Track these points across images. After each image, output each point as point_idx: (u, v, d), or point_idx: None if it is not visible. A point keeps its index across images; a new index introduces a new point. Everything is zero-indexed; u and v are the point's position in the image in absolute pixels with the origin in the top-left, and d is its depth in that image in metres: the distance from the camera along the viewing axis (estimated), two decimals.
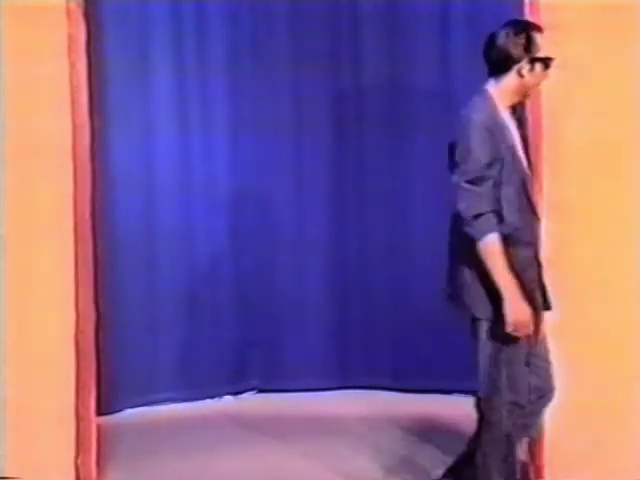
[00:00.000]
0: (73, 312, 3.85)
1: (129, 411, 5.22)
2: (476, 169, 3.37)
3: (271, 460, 4.39)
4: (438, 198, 5.52)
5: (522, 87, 3.49)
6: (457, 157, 3.44)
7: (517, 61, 3.45)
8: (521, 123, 3.60)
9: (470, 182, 3.38)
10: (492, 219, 3.35)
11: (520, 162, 3.46)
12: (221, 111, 5.54)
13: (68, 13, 3.79)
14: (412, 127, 5.49)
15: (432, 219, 5.53)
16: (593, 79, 3.78)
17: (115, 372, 4.99)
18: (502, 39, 3.49)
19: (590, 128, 3.80)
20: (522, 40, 3.44)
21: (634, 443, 3.84)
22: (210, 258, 5.54)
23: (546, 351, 3.59)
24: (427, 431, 4.78)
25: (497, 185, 3.38)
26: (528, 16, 3.80)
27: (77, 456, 3.88)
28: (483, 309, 3.47)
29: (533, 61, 3.43)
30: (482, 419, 3.58)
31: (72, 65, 3.80)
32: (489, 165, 3.36)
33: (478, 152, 3.37)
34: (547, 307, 3.52)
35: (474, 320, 3.54)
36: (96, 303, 3.95)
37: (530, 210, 3.47)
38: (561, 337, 3.77)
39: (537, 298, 3.46)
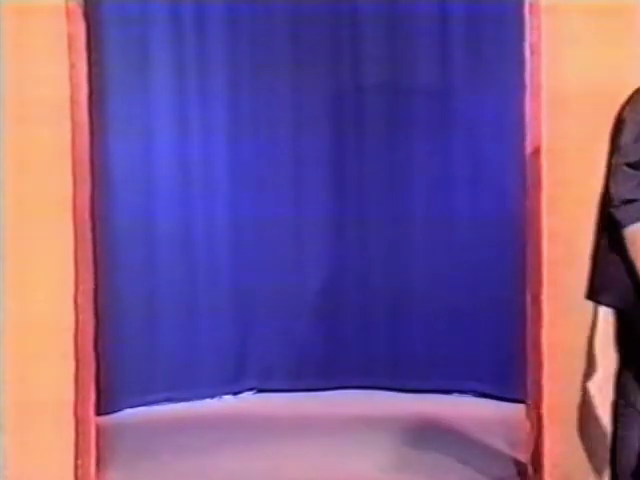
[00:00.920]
0: (73, 311, 3.85)
1: (128, 411, 5.22)
2: None
3: (270, 460, 4.39)
4: (438, 198, 5.56)
5: None
6: (624, 137, 3.16)
7: None
8: None
9: (630, 165, 3.24)
10: None
11: None
12: (221, 111, 5.54)
13: (68, 13, 3.79)
14: (412, 127, 5.49)
15: (432, 219, 5.56)
16: (593, 80, 3.78)
17: (114, 372, 4.99)
18: None
19: (590, 129, 3.79)
20: None
21: None
22: (209, 258, 5.55)
23: None
24: (427, 431, 4.78)
25: None
26: (528, 17, 3.80)
27: (76, 456, 3.88)
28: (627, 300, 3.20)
29: None
30: None
31: (72, 65, 3.80)
32: None
33: None
34: None
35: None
36: (96, 303, 3.95)
37: None
38: (561, 339, 3.78)
39: None
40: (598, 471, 3.82)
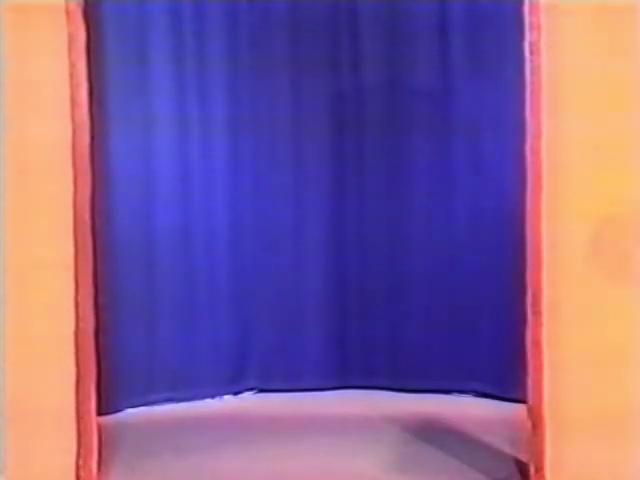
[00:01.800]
0: (73, 312, 3.85)
1: (129, 411, 5.22)
2: None
3: (270, 460, 4.39)
4: (438, 198, 5.56)
5: None
6: None
7: None
8: None
9: None
10: None
11: None
12: (221, 111, 5.54)
13: (68, 13, 3.79)
14: (412, 127, 5.49)
15: (432, 219, 5.55)
16: (593, 80, 3.77)
17: (115, 372, 4.99)
18: None
19: (590, 129, 3.79)
20: None
21: (634, 444, 3.84)
22: (209, 258, 5.54)
23: None
24: (427, 431, 4.78)
25: None
26: (528, 16, 3.79)
27: (78, 456, 3.88)
28: None
29: None
30: None
31: (72, 65, 3.80)
32: None
33: None
34: None
35: None
36: (96, 303, 3.94)
37: None
38: (562, 340, 3.78)
39: None
40: (598, 470, 3.83)
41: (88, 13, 3.87)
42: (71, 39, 3.80)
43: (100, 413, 4.05)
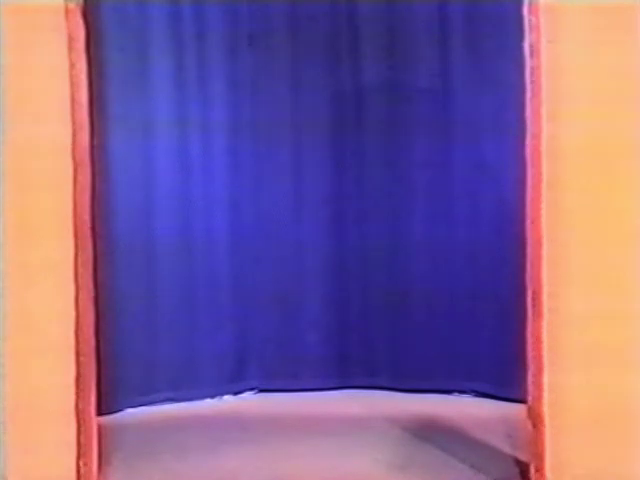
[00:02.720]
0: (73, 312, 3.85)
1: (129, 411, 5.22)
2: None
3: (271, 460, 4.39)
4: (438, 198, 5.56)
5: None
6: None
7: None
8: None
9: None
10: None
11: None
12: (220, 111, 5.54)
13: (68, 13, 3.79)
14: (412, 127, 5.49)
15: (432, 219, 5.56)
16: (593, 80, 3.77)
17: (115, 372, 4.99)
18: None
19: (590, 130, 3.79)
20: None
21: (634, 444, 3.84)
22: (209, 258, 5.55)
23: None
24: (427, 431, 4.78)
25: None
26: (527, 17, 3.79)
27: (78, 456, 3.88)
28: None
29: None
30: None
31: (72, 65, 3.80)
32: None
33: None
34: None
35: None
36: (96, 303, 3.94)
37: None
38: (563, 340, 3.79)
39: None
40: (599, 470, 3.83)
41: (88, 13, 3.87)
42: (71, 39, 3.79)
43: (100, 413, 4.05)
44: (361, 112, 5.60)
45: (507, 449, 4.41)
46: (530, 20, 3.78)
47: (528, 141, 3.83)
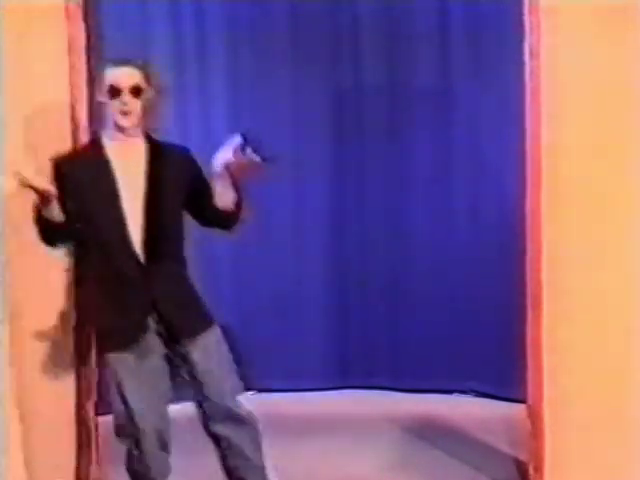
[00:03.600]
0: (73, 312, 3.85)
1: None
2: None
3: (270, 460, 4.38)
4: (437, 197, 5.56)
5: None
6: None
7: None
8: None
9: None
10: None
11: None
12: (220, 111, 5.54)
13: (68, 13, 3.79)
14: (412, 127, 5.49)
15: (432, 218, 5.55)
16: (593, 80, 3.78)
17: None
18: None
19: (590, 130, 3.79)
20: None
21: (634, 444, 3.84)
22: (209, 258, 5.54)
23: None
24: (427, 431, 4.78)
25: None
26: (528, 17, 3.79)
27: (78, 456, 3.89)
28: None
29: None
30: None
31: (72, 65, 3.80)
32: None
33: None
34: None
35: None
36: None
37: None
38: (561, 339, 3.79)
39: None
40: (598, 470, 3.83)
41: (88, 13, 3.87)
42: (71, 39, 3.80)
43: (100, 413, 4.05)
44: (361, 111, 5.59)
45: (507, 449, 4.41)
46: (530, 20, 3.78)
47: (528, 141, 3.83)
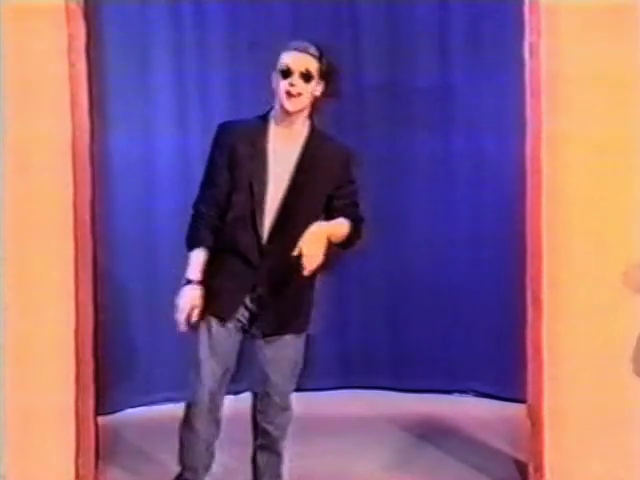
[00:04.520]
0: (73, 312, 3.85)
1: (129, 411, 5.22)
2: None
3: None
4: (437, 197, 5.56)
5: None
6: None
7: None
8: None
9: None
10: None
11: None
12: (221, 111, 5.54)
13: (68, 13, 3.79)
14: (412, 127, 5.49)
15: (432, 218, 5.55)
16: (593, 79, 3.78)
17: (115, 372, 4.99)
18: None
19: (590, 129, 3.80)
20: None
21: (634, 444, 3.84)
22: None
23: None
24: (427, 431, 4.78)
25: None
26: (528, 17, 3.80)
27: (77, 456, 3.89)
28: None
29: None
30: None
31: (72, 65, 3.80)
32: None
33: None
34: None
35: None
36: (96, 303, 3.95)
37: None
38: (561, 339, 3.79)
39: None
40: (597, 470, 3.84)
41: (88, 13, 3.87)
42: (71, 39, 3.80)
43: (100, 413, 4.05)
44: (362, 111, 5.59)
45: (507, 449, 4.41)
46: (530, 20, 3.78)
47: (528, 140, 3.84)
